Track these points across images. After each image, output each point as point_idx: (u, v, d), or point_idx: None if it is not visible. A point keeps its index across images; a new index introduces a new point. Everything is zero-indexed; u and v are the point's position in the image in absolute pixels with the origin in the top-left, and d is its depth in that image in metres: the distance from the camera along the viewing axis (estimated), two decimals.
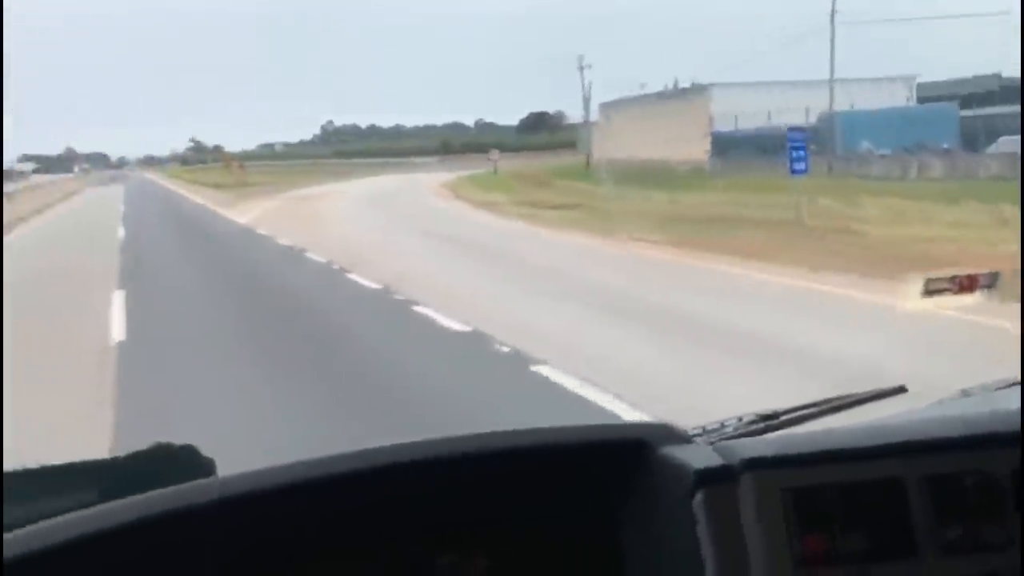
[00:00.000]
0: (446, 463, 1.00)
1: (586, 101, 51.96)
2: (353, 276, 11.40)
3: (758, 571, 0.91)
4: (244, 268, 13.71)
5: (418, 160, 67.73)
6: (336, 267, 12.43)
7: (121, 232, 20.42)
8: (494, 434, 1.02)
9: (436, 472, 1.00)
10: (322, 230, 18.70)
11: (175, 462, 1.07)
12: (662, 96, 45.44)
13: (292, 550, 0.97)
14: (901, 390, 1.27)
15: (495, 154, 42.55)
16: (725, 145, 35.36)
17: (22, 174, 66.81)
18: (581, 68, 50.16)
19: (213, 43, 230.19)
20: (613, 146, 41.19)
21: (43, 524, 0.86)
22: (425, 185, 35.35)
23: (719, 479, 0.94)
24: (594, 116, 52.02)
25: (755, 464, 0.95)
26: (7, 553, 0.82)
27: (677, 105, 42.03)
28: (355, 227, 19.83)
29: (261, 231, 19.22)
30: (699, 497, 0.93)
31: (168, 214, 28.16)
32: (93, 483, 0.92)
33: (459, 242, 15.45)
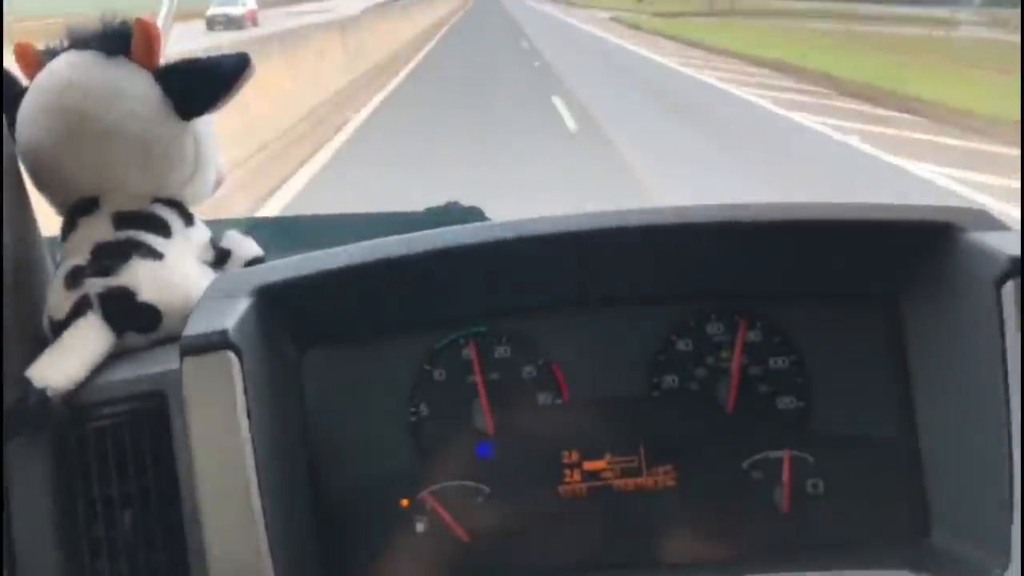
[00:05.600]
0: (729, 229, 0.93)
1: None
2: None
3: None
4: None
5: None
6: None
7: None
8: (779, 205, 0.94)
9: (716, 237, 0.94)
10: None
11: (463, 215, 1.34)
12: None
13: (561, 296, 0.97)
14: None
15: None
16: None
17: None
18: None
19: None
20: None
21: (345, 248, 0.91)
22: None
23: None
24: None
25: None
26: (320, 268, 0.88)
27: None
28: None
29: None
30: (1010, 286, 0.81)
31: None
32: (392, 228, 0.97)
33: None
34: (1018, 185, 6.83)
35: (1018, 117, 8.15)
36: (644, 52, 20.46)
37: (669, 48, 21.54)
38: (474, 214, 1.37)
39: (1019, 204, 6.20)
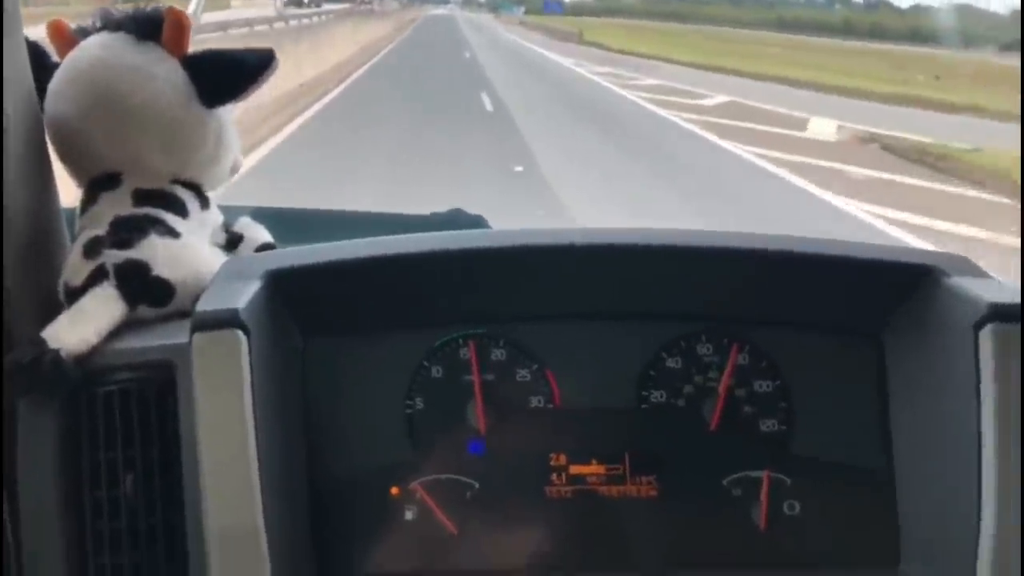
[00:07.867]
0: (725, 255, 0.97)
1: None
2: None
3: None
4: None
5: None
6: None
7: None
8: (776, 237, 0.98)
9: (713, 261, 0.98)
10: None
11: (466, 222, 1.41)
12: None
13: (559, 306, 1.00)
14: None
15: None
16: None
17: None
18: None
19: None
20: None
21: (355, 241, 0.95)
22: None
23: (1014, 316, 0.85)
24: None
25: None
26: (322, 259, 0.92)
27: None
28: None
29: None
30: (988, 330, 0.85)
31: None
32: (398, 229, 1.01)
33: None
34: None
35: None
36: None
37: None
38: (477, 221, 1.41)
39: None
